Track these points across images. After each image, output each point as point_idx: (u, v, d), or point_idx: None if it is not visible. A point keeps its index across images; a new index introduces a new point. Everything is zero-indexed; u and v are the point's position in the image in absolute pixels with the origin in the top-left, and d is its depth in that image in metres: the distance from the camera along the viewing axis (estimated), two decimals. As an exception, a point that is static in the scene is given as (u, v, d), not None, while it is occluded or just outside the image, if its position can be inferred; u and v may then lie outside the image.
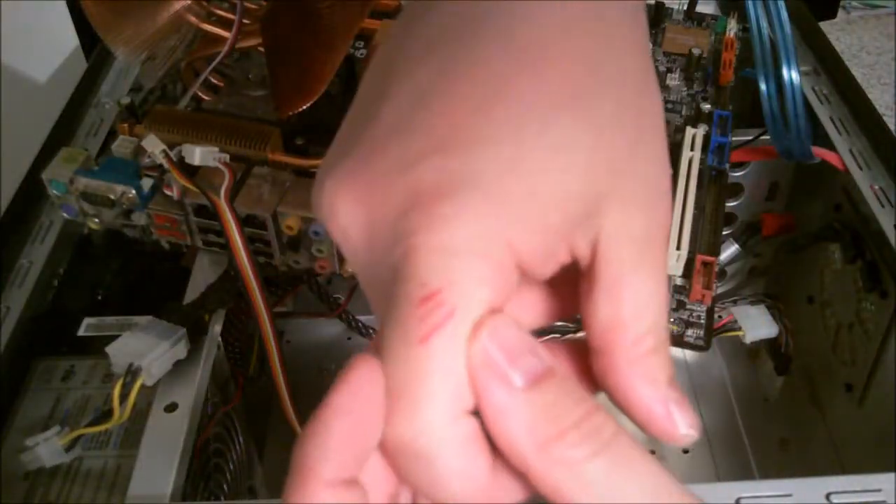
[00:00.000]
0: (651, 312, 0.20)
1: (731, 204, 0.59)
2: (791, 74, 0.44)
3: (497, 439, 0.18)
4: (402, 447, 0.18)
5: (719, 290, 0.58)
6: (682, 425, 0.20)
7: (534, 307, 0.22)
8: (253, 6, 0.50)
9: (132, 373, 0.40)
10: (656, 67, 0.55)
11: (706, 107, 0.51)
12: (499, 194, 0.19)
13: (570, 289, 0.21)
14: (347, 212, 0.20)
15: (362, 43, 0.55)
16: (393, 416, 0.18)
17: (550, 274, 0.20)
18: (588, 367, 0.21)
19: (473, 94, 0.19)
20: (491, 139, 0.19)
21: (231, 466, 0.46)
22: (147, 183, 0.44)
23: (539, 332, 0.21)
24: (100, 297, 0.54)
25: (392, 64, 0.21)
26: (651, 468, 0.18)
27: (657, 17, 0.59)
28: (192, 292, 0.46)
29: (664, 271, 0.21)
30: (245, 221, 0.42)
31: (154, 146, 0.43)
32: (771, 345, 0.56)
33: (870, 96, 0.56)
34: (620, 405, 0.20)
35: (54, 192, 0.45)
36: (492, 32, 0.20)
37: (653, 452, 0.61)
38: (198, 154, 0.43)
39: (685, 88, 0.54)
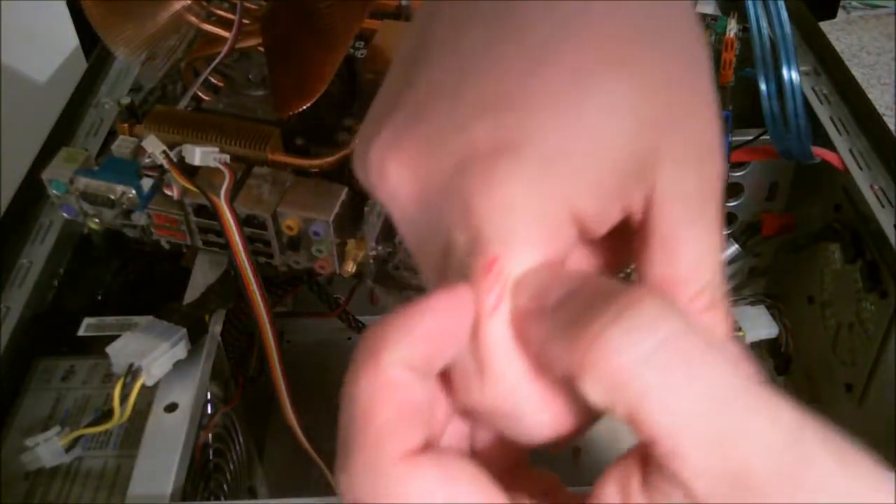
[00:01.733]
0: (706, 269, 0.20)
1: (731, 204, 0.59)
2: (791, 74, 0.44)
3: (554, 371, 0.18)
4: (493, 410, 0.19)
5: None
6: None
7: (586, 262, 0.22)
8: (253, 6, 0.50)
9: (132, 373, 0.40)
10: (656, 67, 0.55)
11: (706, 107, 0.51)
12: (553, 156, 0.19)
13: (620, 245, 0.21)
14: (397, 175, 0.20)
15: (362, 43, 0.55)
16: (483, 384, 0.18)
17: (604, 232, 0.20)
18: None
19: (521, 60, 0.19)
20: (544, 103, 0.19)
21: (231, 466, 0.46)
22: (147, 183, 0.44)
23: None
24: (100, 297, 0.54)
25: (431, 31, 0.21)
26: (716, 368, 0.16)
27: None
28: (192, 292, 0.46)
29: (718, 228, 0.20)
30: (245, 221, 0.42)
31: (154, 147, 0.43)
32: (771, 345, 0.56)
33: (870, 96, 0.56)
34: None
35: (54, 192, 0.45)
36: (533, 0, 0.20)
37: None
38: (198, 154, 0.43)
39: (685, 88, 0.54)
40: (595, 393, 0.17)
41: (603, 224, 0.20)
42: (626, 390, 0.16)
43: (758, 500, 0.15)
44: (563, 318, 0.18)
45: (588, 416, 0.19)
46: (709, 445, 0.16)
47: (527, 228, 0.19)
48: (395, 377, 0.18)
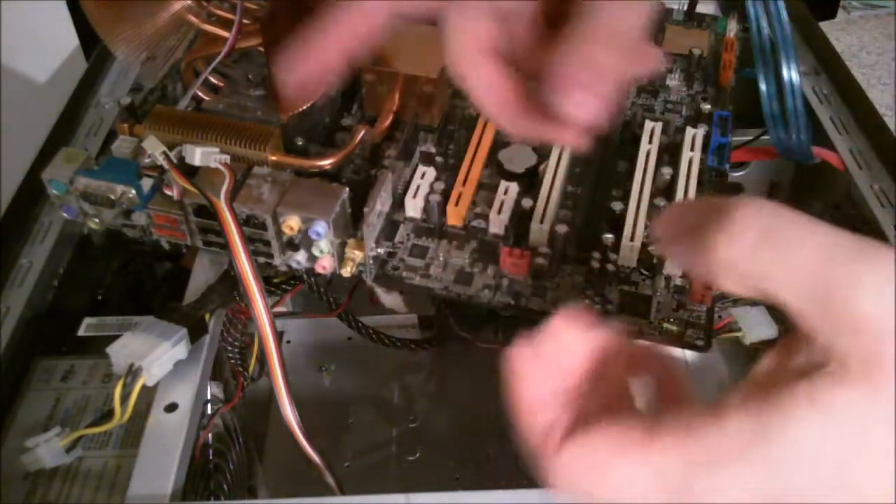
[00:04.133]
0: None
1: (731, 204, 0.59)
2: (791, 75, 0.44)
3: (703, 278, 0.24)
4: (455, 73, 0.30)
5: (719, 291, 0.58)
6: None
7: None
8: (253, 6, 0.50)
9: (133, 373, 0.40)
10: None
11: (706, 107, 0.51)
12: None
13: None
14: None
15: (362, 43, 0.55)
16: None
17: None
18: None
19: None
20: None
21: (231, 466, 0.46)
22: (147, 183, 0.44)
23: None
24: (100, 297, 0.54)
25: None
26: (815, 233, 0.20)
27: (657, 18, 0.59)
28: (192, 292, 0.46)
29: None
30: (245, 221, 0.42)
31: (154, 147, 0.43)
32: (771, 345, 0.56)
33: (870, 96, 0.56)
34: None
35: (54, 192, 0.45)
36: None
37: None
38: (198, 154, 0.43)
39: (685, 88, 0.54)
40: (734, 287, 0.21)
41: None
42: (747, 276, 0.21)
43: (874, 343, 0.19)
44: (693, 238, 0.22)
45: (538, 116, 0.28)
46: (819, 296, 0.19)
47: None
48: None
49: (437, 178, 0.48)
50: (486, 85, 0.29)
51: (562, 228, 0.43)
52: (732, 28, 0.56)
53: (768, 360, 0.22)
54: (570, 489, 0.23)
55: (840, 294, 0.19)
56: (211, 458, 0.44)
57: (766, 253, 0.20)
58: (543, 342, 0.25)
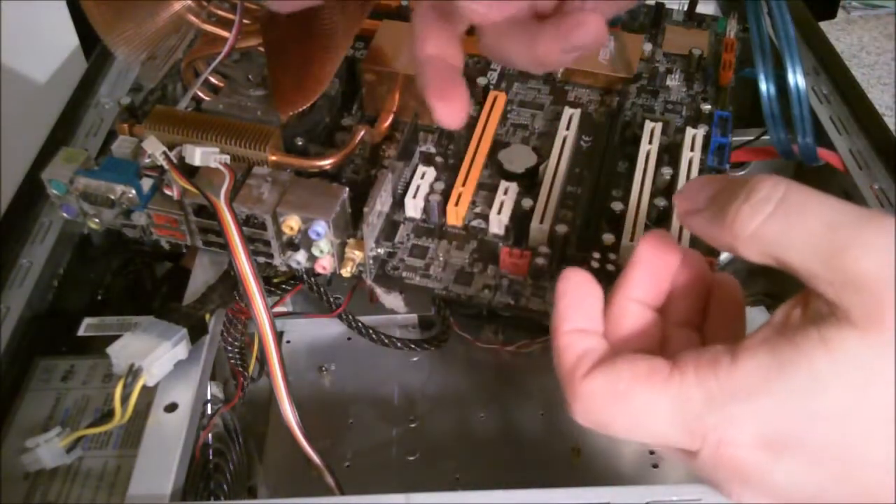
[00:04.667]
0: None
1: (731, 204, 0.59)
2: (797, 80, 0.44)
3: (721, 247, 0.25)
4: None
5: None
6: None
7: None
8: (253, 6, 0.50)
9: (133, 373, 0.40)
10: (656, 68, 0.55)
11: (706, 107, 0.51)
12: None
13: None
14: None
15: (362, 43, 0.55)
16: None
17: None
18: None
19: None
20: None
21: (231, 466, 0.46)
22: (147, 183, 0.44)
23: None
24: (100, 297, 0.54)
25: None
26: (818, 207, 0.22)
27: (657, 18, 0.59)
28: (192, 292, 0.46)
29: None
30: (245, 221, 0.42)
31: (154, 148, 0.43)
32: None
33: (870, 96, 0.56)
34: None
35: (54, 192, 0.45)
36: None
37: (651, 453, 0.61)
38: (198, 154, 0.43)
39: (685, 88, 0.54)
40: (750, 254, 0.24)
41: None
42: (764, 243, 0.23)
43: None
44: (713, 209, 0.24)
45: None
46: (827, 258, 0.22)
47: None
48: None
49: (437, 178, 0.48)
50: (418, 30, 0.33)
51: (562, 228, 0.43)
52: (732, 28, 0.56)
53: (782, 311, 0.24)
54: (589, 419, 0.25)
55: (845, 256, 0.21)
56: (211, 458, 0.44)
57: (783, 221, 0.22)
58: (636, 255, 0.28)
